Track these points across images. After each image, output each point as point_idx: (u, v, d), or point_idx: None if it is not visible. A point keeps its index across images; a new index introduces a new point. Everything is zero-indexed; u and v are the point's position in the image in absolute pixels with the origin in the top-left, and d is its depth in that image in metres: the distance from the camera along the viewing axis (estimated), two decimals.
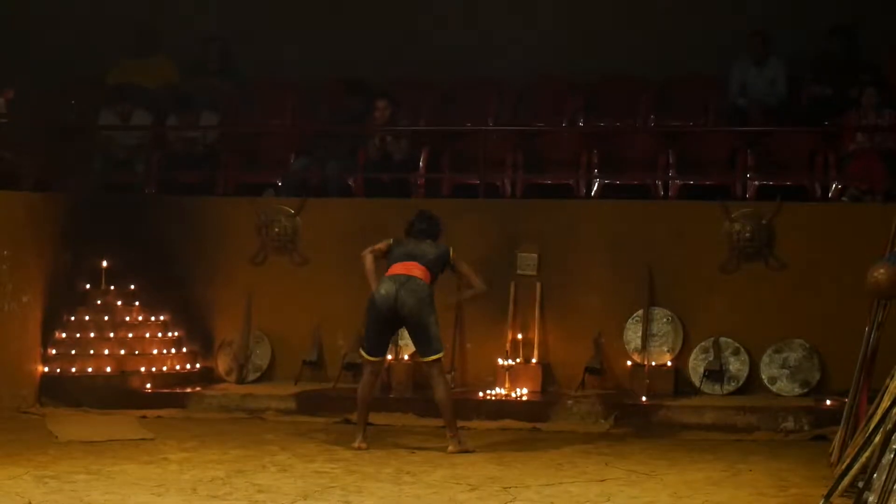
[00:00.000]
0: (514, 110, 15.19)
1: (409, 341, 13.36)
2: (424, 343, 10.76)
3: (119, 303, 13.65)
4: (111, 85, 15.71)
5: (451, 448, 10.68)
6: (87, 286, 13.70)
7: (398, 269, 10.81)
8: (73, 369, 13.29)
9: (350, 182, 14.46)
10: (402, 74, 15.51)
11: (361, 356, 11.17)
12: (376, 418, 12.16)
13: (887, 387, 9.18)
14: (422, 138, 14.54)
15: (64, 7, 15.56)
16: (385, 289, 10.66)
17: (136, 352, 13.45)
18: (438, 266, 11.00)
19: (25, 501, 8.59)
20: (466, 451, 10.66)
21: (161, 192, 14.76)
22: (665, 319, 13.10)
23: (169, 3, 15.88)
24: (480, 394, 12.94)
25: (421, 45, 15.40)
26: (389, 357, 13.26)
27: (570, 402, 12.58)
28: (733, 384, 12.90)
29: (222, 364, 13.89)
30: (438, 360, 10.82)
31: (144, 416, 12.57)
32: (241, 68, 16.25)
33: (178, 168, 15.04)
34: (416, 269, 10.76)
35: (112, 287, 13.70)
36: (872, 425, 8.53)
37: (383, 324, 10.81)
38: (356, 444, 10.65)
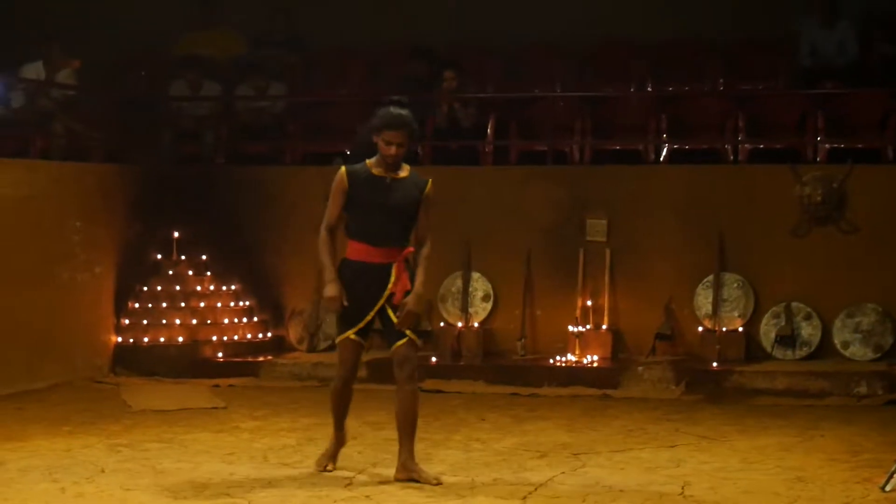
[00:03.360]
0: (581, 75, 15.15)
1: (480, 308, 13.52)
2: None
3: (190, 273, 13.79)
4: (178, 56, 15.81)
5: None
6: (159, 257, 13.84)
7: None
8: (146, 339, 13.45)
9: (418, 150, 14.49)
10: (468, 40, 15.51)
11: None
12: (446, 386, 12.23)
13: None
14: (489, 106, 14.53)
15: None
16: None
17: (208, 321, 13.60)
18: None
19: (99, 469, 8.69)
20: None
21: (230, 162, 14.87)
22: (736, 284, 13.06)
23: None
24: (551, 360, 12.97)
25: (485, 11, 15.37)
26: (460, 325, 13.37)
27: (640, 368, 12.58)
28: (805, 349, 12.86)
29: (293, 333, 13.98)
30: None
31: (216, 385, 12.70)
32: (306, 38, 16.31)
33: (246, 138, 15.15)
34: None
35: (183, 257, 13.84)
36: None
37: None
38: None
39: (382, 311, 8.16)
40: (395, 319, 8.17)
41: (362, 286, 8.17)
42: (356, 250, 8.26)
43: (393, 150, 8.16)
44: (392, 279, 8.16)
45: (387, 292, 8.17)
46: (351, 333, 8.21)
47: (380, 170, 8.25)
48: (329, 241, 8.33)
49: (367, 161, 8.28)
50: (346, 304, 8.13)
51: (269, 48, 16.02)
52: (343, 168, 8.30)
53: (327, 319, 13.80)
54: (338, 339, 8.39)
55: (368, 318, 8.20)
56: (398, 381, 8.24)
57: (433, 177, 13.69)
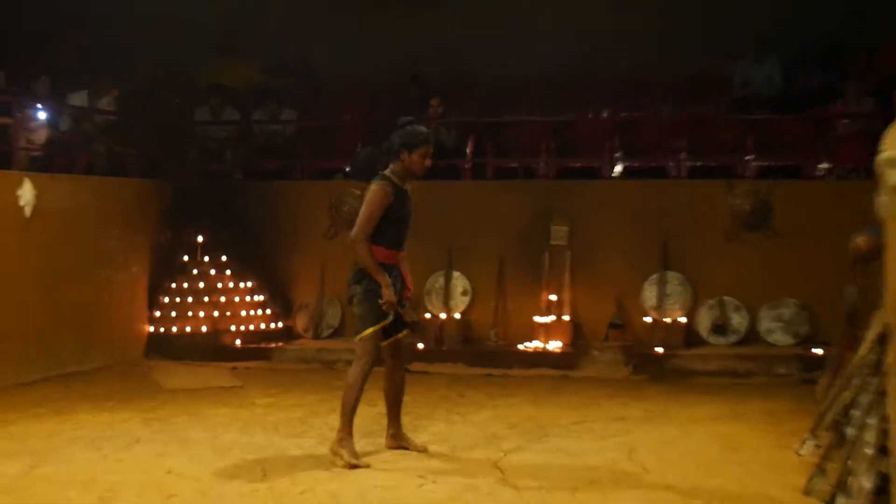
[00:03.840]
0: (547, 104, 15.17)
1: (460, 301, 13.54)
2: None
3: (212, 272, 13.80)
4: (203, 85, 15.82)
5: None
6: (186, 258, 13.84)
7: None
8: (175, 328, 13.47)
9: None
10: (451, 74, 15.53)
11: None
12: (431, 368, 12.27)
13: (865, 337, 9.21)
14: (469, 129, 14.54)
15: (160, 15, 15.65)
16: None
17: (228, 313, 13.61)
18: (384, 226, 8.08)
19: (135, 439, 8.76)
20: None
21: (247, 177, 14.86)
22: (677, 281, 13.10)
23: (252, 11, 15.94)
24: (520, 346, 13.00)
25: (466, 50, 15.38)
26: (443, 316, 13.40)
27: (595, 352, 12.62)
28: (735, 336, 12.91)
29: (300, 323, 14.01)
30: (360, 340, 7.96)
31: (235, 368, 12.74)
32: (315, 70, 16.34)
33: (261, 157, 15.17)
34: None
35: (206, 259, 13.84)
36: (852, 369, 8.55)
37: None
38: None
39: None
40: (402, 313, 8.11)
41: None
42: (385, 255, 7.94)
43: (428, 162, 8.10)
44: (404, 278, 8.11)
45: (405, 290, 8.11)
46: (380, 327, 7.92)
47: (401, 183, 8.09)
48: (371, 248, 7.89)
49: (386, 174, 8.07)
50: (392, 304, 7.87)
51: (281, 79, 16.06)
52: (384, 182, 7.99)
53: (329, 312, 13.87)
54: (368, 333, 7.91)
55: (393, 312, 7.95)
56: (394, 365, 8.23)
57: (421, 189, 13.77)
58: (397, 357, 8.24)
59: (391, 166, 8.13)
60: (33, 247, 11.83)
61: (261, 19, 15.97)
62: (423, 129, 8.31)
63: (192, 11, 15.71)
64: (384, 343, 8.09)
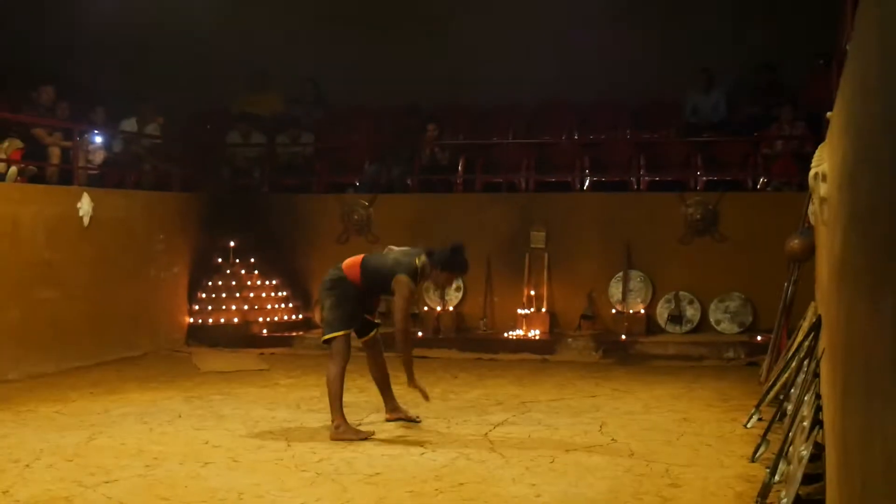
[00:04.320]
0: (527, 128, 15.17)
1: (454, 296, 13.51)
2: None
3: (243, 271, 13.79)
4: (234, 113, 15.82)
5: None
6: (220, 260, 13.82)
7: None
8: (210, 320, 13.45)
9: (409, 181, 14.52)
10: (447, 101, 15.54)
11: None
12: (429, 353, 12.24)
13: (800, 326, 9.21)
14: (461, 149, 14.54)
15: (200, 54, 15.65)
16: None
17: (256, 306, 13.58)
18: (378, 277, 7.87)
19: (177, 415, 8.75)
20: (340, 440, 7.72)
21: (272, 191, 14.84)
22: (639, 279, 13.09)
23: (277, 51, 15.92)
24: (505, 334, 12.97)
25: (458, 82, 15.37)
26: (439, 308, 13.38)
27: (570, 340, 12.59)
28: (689, 325, 12.89)
29: (317, 315, 13.91)
30: (328, 341, 7.86)
31: (262, 353, 12.71)
32: (329, 100, 16.32)
33: (284, 174, 15.15)
34: (349, 263, 8.00)
35: (238, 260, 13.83)
36: (790, 354, 8.56)
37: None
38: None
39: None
40: (369, 318, 8.09)
41: (355, 303, 7.90)
42: (366, 289, 7.90)
43: (452, 286, 8.05)
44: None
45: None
46: (342, 334, 7.81)
47: (421, 279, 7.94)
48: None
49: (415, 268, 7.84)
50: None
51: (301, 107, 16.04)
52: (410, 280, 7.77)
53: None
54: (334, 336, 7.80)
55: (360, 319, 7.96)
56: (373, 355, 8.22)
57: (419, 202, 13.84)
58: (374, 348, 8.22)
59: (426, 262, 7.94)
60: (90, 251, 11.82)
61: (284, 57, 15.93)
62: (466, 261, 8.15)
63: (227, 51, 15.69)
64: (361, 340, 8.10)
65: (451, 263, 8.02)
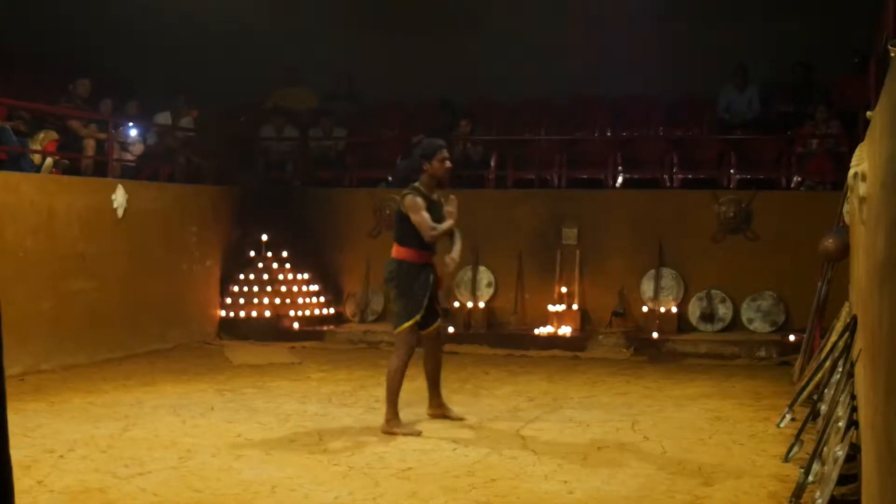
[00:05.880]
0: (560, 124, 15.12)
1: (485, 292, 13.49)
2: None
3: (275, 265, 13.79)
4: (268, 107, 15.86)
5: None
6: (252, 253, 13.84)
7: None
8: (242, 313, 13.47)
9: None
10: (478, 98, 15.52)
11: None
12: (460, 349, 12.21)
13: (834, 326, 9.13)
14: (492, 145, 14.52)
15: (232, 49, 15.70)
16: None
17: (287, 300, 13.59)
18: (404, 225, 7.91)
19: (209, 407, 8.77)
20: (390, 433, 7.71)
21: (305, 185, 14.85)
22: (671, 276, 13.02)
23: (311, 46, 15.94)
24: (536, 331, 12.92)
25: (491, 77, 15.36)
26: (470, 304, 13.35)
27: (601, 337, 12.55)
28: (721, 324, 12.82)
29: (349, 309, 14.01)
30: (398, 333, 7.88)
31: (293, 347, 12.71)
32: (361, 95, 16.33)
33: (316, 168, 15.16)
34: (393, 249, 8.02)
35: (270, 254, 13.84)
36: (823, 354, 8.49)
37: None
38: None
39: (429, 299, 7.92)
40: (436, 304, 8.02)
41: (419, 284, 7.85)
42: (416, 256, 7.86)
43: (448, 164, 7.96)
44: (436, 274, 8.00)
45: (437, 284, 7.99)
46: (413, 322, 7.79)
47: (429, 192, 7.96)
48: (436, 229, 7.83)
49: (414, 185, 7.96)
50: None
51: (333, 102, 16.06)
52: (413, 192, 7.85)
53: (374, 300, 13.84)
54: (404, 327, 7.79)
55: (425, 306, 7.85)
56: (433, 348, 8.16)
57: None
58: (435, 340, 8.18)
59: (419, 179, 8.02)
60: (124, 242, 11.86)
61: (318, 52, 15.95)
62: (436, 139, 8.25)
63: (261, 45, 15.74)
64: (425, 332, 8.01)
65: (426, 153, 8.01)
